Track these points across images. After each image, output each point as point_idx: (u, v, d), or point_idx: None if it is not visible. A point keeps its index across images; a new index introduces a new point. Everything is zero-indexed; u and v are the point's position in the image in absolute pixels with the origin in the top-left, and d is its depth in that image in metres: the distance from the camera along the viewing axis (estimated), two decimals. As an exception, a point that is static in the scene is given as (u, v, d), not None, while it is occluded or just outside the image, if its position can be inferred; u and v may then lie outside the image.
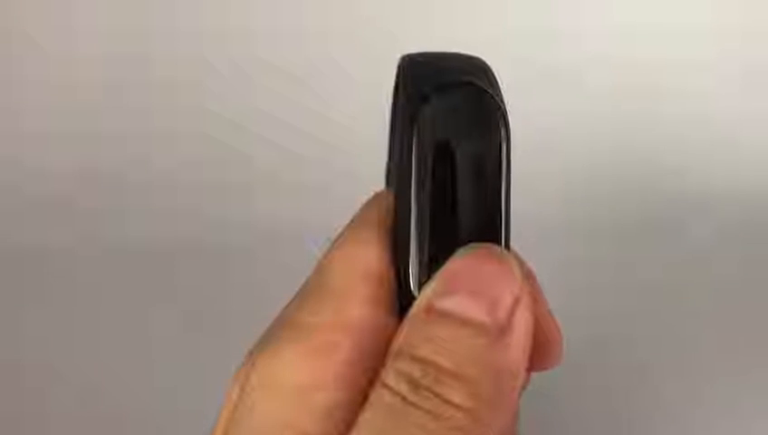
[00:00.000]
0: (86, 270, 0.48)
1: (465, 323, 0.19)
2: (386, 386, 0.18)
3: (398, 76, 0.22)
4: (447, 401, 0.18)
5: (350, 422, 0.19)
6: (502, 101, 0.20)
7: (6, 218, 0.50)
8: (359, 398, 0.19)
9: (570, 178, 0.50)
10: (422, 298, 0.19)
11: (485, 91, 0.20)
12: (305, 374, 0.19)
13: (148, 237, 0.49)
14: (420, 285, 0.20)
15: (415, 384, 0.18)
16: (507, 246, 0.20)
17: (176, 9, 0.53)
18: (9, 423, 0.41)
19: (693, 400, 0.41)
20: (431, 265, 0.20)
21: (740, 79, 0.53)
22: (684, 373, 0.42)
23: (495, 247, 0.20)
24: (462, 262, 0.19)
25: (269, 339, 0.20)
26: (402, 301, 0.20)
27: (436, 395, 0.18)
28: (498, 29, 0.49)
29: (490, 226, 0.20)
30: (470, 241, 0.20)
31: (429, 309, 0.19)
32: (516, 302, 0.19)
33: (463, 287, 0.19)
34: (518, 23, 0.51)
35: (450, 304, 0.19)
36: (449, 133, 0.20)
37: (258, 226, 0.49)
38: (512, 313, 0.19)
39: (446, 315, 0.19)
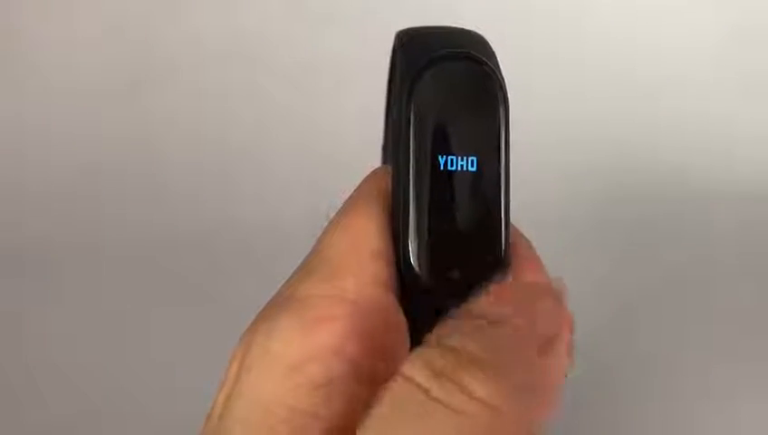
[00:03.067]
0: (86, 268, 0.48)
1: (503, 323, 0.18)
2: (403, 376, 0.17)
3: (393, 51, 0.22)
4: (471, 393, 0.17)
5: (344, 398, 0.18)
6: (500, 73, 0.20)
7: (8, 216, 0.50)
8: (353, 372, 0.19)
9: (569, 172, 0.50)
10: (462, 307, 0.18)
11: (483, 62, 0.20)
12: (298, 348, 0.19)
13: (150, 235, 0.49)
14: (420, 260, 0.20)
15: (435, 373, 0.17)
16: (507, 221, 0.20)
17: (177, 10, 0.53)
18: (11, 421, 0.41)
19: (694, 396, 0.41)
20: (430, 239, 0.20)
21: (738, 77, 0.53)
22: (682, 369, 0.42)
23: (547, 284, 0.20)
24: (506, 284, 0.19)
25: (266, 313, 0.20)
26: (402, 275, 0.20)
27: (458, 385, 0.17)
28: (499, 20, 0.49)
29: (489, 202, 0.20)
30: (469, 216, 0.20)
31: (464, 313, 0.18)
32: (561, 329, 0.18)
33: (505, 300, 0.18)
34: (520, 16, 0.51)
35: (489, 309, 0.18)
36: (447, 108, 0.20)
37: (261, 223, 0.49)
38: (556, 335, 0.18)
39: (482, 317, 0.18)
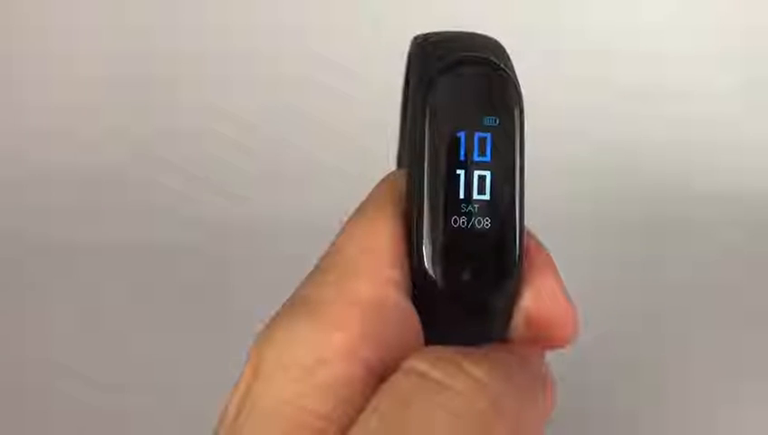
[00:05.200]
0: (87, 267, 0.48)
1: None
2: (403, 369, 0.18)
3: (409, 56, 0.22)
4: (466, 371, 0.18)
5: (358, 400, 0.19)
6: (516, 77, 0.20)
7: (7, 215, 0.50)
8: (367, 376, 0.19)
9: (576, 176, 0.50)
10: None
11: (499, 66, 0.20)
12: (312, 350, 0.19)
13: (150, 235, 0.49)
14: (434, 263, 0.20)
15: (438, 358, 0.18)
16: (521, 226, 0.20)
17: (177, 5, 0.53)
18: (11, 421, 0.41)
19: (696, 399, 0.41)
20: (445, 243, 0.20)
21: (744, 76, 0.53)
22: (686, 373, 0.42)
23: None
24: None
25: (281, 316, 0.20)
26: (415, 279, 0.20)
27: (456, 364, 0.18)
28: (505, 26, 0.49)
29: (504, 205, 0.20)
30: (483, 221, 0.20)
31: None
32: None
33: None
34: (524, 20, 0.51)
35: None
36: (463, 111, 0.20)
37: (260, 222, 0.49)
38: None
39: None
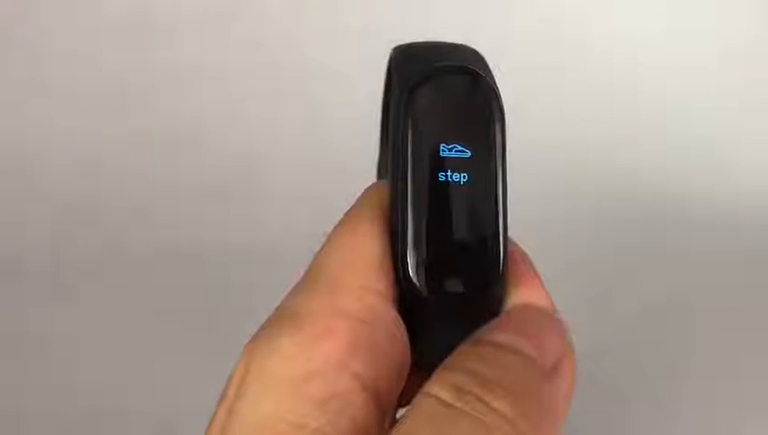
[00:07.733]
0: (87, 268, 0.48)
1: (516, 352, 0.19)
2: (428, 394, 0.18)
3: (389, 66, 0.22)
4: (492, 408, 0.18)
5: (347, 411, 0.19)
6: (496, 87, 0.20)
7: (8, 217, 0.50)
8: (356, 387, 0.19)
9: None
10: (472, 335, 0.19)
11: (480, 75, 0.20)
12: (300, 363, 0.19)
13: (150, 237, 0.49)
14: (419, 273, 0.20)
15: (459, 390, 0.18)
16: (505, 234, 0.20)
17: (177, 5, 0.53)
18: (10, 422, 0.41)
19: (695, 398, 0.41)
20: (429, 252, 0.20)
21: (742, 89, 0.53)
22: (684, 387, 0.43)
23: (548, 307, 0.21)
24: (514, 312, 0.20)
25: (266, 329, 0.20)
26: (401, 289, 0.20)
27: (481, 400, 0.18)
28: (498, 30, 0.49)
29: (487, 214, 0.20)
30: (467, 230, 0.20)
31: (480, 341, 0.19)
32: (564, 355, 0.20)
33: (515, 328, 0.20)
34: (518, 24, 0.51)
35: (502, 338, 0.19)
36: (444, 121, 0.20)
37: (259, 226, 0.49)
38: (560, 360, 0.19)
39: (497, 345, 0.19)
